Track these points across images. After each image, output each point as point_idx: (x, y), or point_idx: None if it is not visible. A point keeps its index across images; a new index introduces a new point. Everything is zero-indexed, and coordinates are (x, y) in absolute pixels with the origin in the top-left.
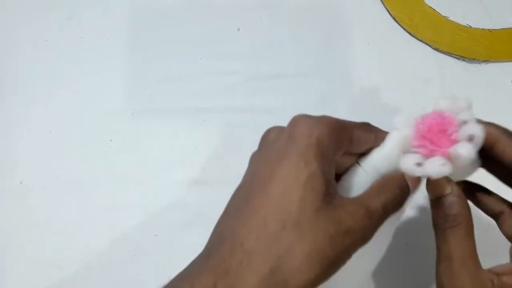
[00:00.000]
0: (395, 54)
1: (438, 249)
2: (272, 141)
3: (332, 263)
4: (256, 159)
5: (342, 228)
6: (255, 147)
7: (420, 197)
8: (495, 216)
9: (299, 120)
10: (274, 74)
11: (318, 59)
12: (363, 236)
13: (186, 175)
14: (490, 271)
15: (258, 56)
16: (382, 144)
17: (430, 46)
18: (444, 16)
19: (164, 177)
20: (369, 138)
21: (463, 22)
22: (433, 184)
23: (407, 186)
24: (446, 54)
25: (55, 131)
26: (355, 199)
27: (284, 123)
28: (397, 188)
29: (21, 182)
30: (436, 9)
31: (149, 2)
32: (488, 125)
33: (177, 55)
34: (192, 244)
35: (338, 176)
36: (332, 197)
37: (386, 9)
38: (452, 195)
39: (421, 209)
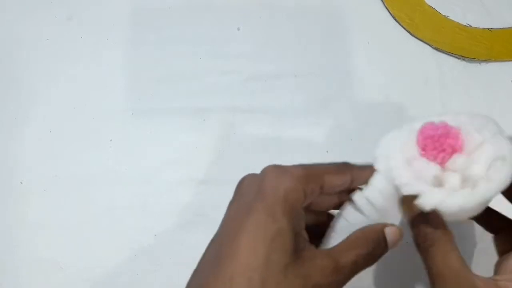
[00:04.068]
0: (395, 53)
1: (428, 268)
2: (244, 192)
3: None
4: (229, 210)
5: (309, 284)
6: (255, 147)
7: None
8: (493, 232)
9: (268, 172)
10: (274, 74)
11: (318, 59)
12: None
13: (186, 175)
14: (488, 279)
15: (258, 56)
16: (365, 188)
17: (430, 46)
18: (444, 16)
19: (164, 177)
20: (343, 180)
21: (463, 21)
22: (406, 204)
23: (384, 241)
24: (446, 54)
25: (55, 131)
26: (326, 253)
27: (284, 123)
28: (372, 243)
29: (21, 182)
30: (436, 9)
31: (149, 2)
32: None
33: (177, 55)
34: (192, 244)
35: (324, 216)
36: (301, 251)
37: (386, 8)
38: (425, 213)
39: None
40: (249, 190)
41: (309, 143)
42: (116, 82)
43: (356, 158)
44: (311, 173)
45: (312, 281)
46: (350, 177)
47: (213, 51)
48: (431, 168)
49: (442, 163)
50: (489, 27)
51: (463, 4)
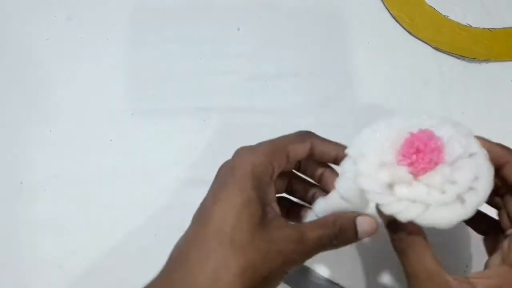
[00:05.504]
0: (395, 53)
1: (404, 269)
2: (220, 174)
3: (265, 278)
4: (208, 190)
5: (274, 248)
6: None
7: None
8: (482, 233)
9: (239, 152)
10: (274, 74)
11: (318, 59)
12: (294, 258)
13: (186, 175)
14: (462, 278)
15: (258, 56)
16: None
17: (430, 46)
18: (444, 16)
19: (164, 177)
20: (304, 148)
21: (463, 21)
22: (380, 211)
23: (354, 229)
24: (446, 54)
25: (55, 131)
26: (294, 225)
27: (284, 123)
28: (339, 227)
29: (21, 182)
30: (436, 9)
31: (149, 2)
32: (495, 145)
33: (177, 55)
34: None
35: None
36: (270, 221)
37: (386, 8)
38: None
39: None
40: (223, 171)
41: None
42: (116, 82)
43: None
44: (276, 146)
45: (277, 246)
46: (310, 144)
47: (213, 51)
48: (407, 177)
49: (418, 173)
50: (489, 27)
51: (463, 4)
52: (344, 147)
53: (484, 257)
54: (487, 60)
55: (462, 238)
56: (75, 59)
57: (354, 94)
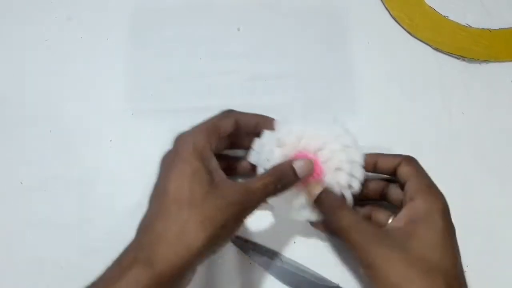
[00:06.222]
0: (395, 54)
1: (333, 226)
2: (166, 160)
3: (223, 226)
4: (157, 179)
5: (226, 202)
6: None
7: None
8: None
9: (179, 137)
10: (274, 74)
11: (318, 59)
12: (245, 207)
13: None
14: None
15: (258, 56)
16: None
17: (430, 46)
18: (444, 16)
19: None
20: (230, 122)
21: (463, 21)
22: (309, 190)
23: (292, 171)
24: (446, 54)
25: (55, 131)
26: (239, 182)
27: (284, 123)
28: (280, 172)
29: (21, 182)
30: (436, 9)
31: (149, 2)
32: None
33: (177, 55)
34: None
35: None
36: (218, 183)
37: (386, 9)
38: (323, 192)
39: None
40: (169, 158)
41: None
42: (116, 82)
43: None
44: (209, 125)
45: (227, 200)
46: (234, 119)
47: (213, 51)
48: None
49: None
50: (489, 27)
51: (463, 4)
52: (261, 116)
53: (484, 257)
54: (487, 60)
55: (462, 238)
56: (75, 59)
57: (354, 94)
